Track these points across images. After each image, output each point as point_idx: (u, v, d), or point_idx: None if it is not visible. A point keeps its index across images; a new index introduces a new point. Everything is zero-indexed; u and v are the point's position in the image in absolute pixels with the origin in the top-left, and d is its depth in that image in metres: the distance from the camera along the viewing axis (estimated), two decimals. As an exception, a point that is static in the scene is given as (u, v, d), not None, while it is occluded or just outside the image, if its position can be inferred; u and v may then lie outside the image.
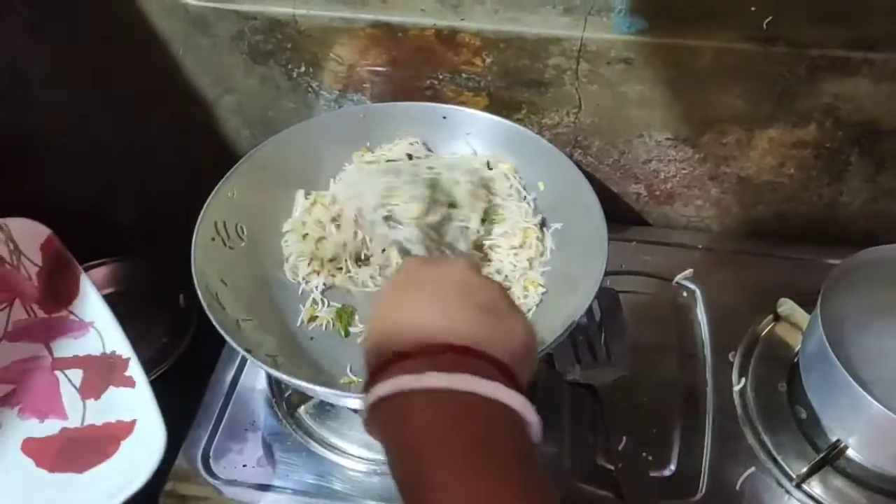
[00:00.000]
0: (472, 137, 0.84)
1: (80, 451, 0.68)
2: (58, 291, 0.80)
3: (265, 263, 0.76)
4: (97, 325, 0.77)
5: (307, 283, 0.75)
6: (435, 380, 0.40)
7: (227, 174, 0.74)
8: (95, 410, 0.71)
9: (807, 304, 0.78)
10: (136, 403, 0.70)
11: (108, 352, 0.74)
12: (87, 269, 0.83)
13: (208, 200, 0.71)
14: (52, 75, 0.91)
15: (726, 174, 0.86)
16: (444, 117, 0.84)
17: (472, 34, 0.79)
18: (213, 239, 0.71)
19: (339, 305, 0.75)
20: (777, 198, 0.87)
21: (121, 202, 1.06)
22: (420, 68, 0.84)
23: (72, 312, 0.79)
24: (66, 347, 0.76)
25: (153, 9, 0.83)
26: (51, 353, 0.77)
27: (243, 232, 0.75)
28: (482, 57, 0.81)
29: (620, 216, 0.92)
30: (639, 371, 0.77)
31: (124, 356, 0.73)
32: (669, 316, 0.84)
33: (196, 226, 0.69)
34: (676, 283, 0.86)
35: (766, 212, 0.89)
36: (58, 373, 0.75)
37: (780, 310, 0.82)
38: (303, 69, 0.86)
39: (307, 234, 0.76)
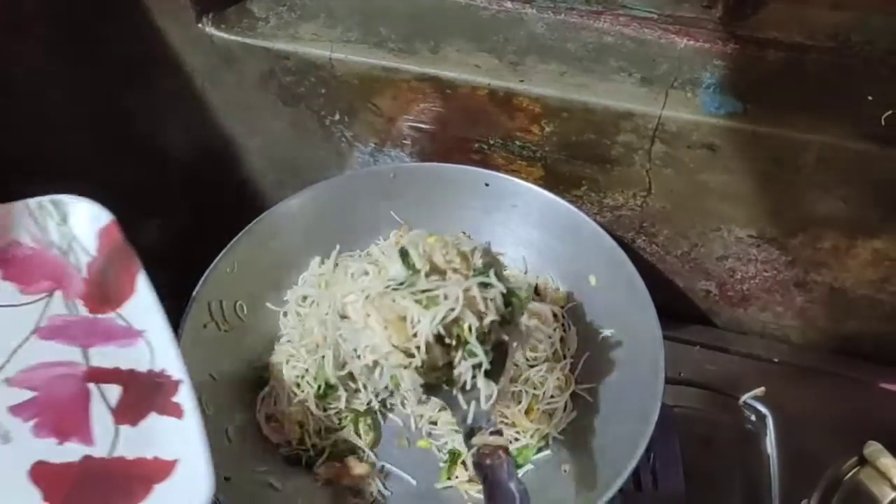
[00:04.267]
0: (517, 210, 0.73)
1: (101, 488, 0.53)
2: (108, 288, 0.65)
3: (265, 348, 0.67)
4: (148, 336, 0.62)
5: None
6: None
7: (224, 250, 0.65)
8: (129, 439, 0.56)
9: (901, 448, 0.66)
10: (180, 439, 0.55)
11: (156, 369, 0.60)
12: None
13: (200, 282, 0.62)
14: (70, 97, 0.83)
15: (816, 282, 0.73)
16: (487, 184, 0.73)
17: (532, 99, 0.68)
18: (206, 325, 0.62)
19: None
20: (874, 316, 0.73)
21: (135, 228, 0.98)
22: (468, 129, 0.73)
23: (121, 316, 0.64)
24: (107, 356, 0.62)
25: (177, 38, 0.75)
26: (87, 359, 0.62)
27: (243, 311, 0.66)
28: (541, 125, 0.70)
29: (683, 313, 0.80)
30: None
31: (174, 377, 0.58)
32: (733, 444, 0.71)
33: (184, 313, 0.60)
34: (744, 402, 0.73)
35: (860, 329, 0.75)
36: (91, 385, 0.60)
37: (866, 452, 0.69)
38: (337, 117, 0.76)
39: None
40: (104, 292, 0.65)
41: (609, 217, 0.75)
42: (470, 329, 0.51)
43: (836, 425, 0.71)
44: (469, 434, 0.53)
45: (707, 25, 0.69)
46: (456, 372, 0.52)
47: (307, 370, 0.64)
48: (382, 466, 0.64)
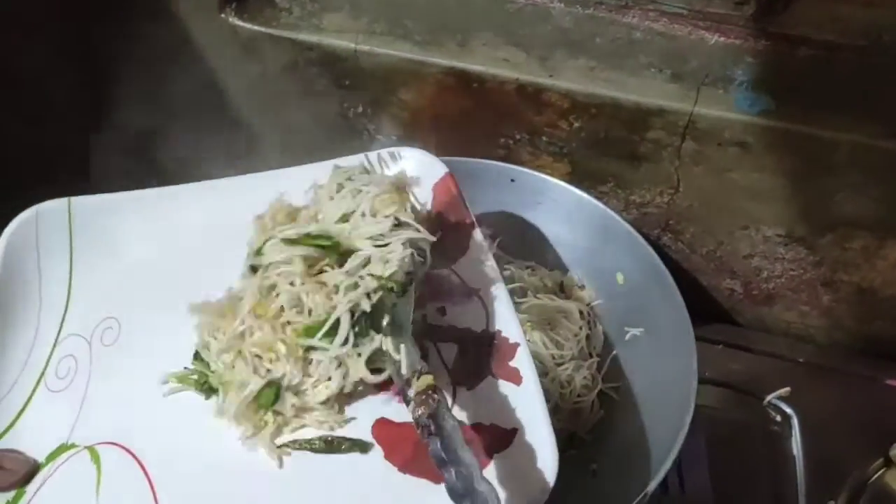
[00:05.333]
0: (542, 207, 0.72)
1: None
2: (443, 243, 0.59)
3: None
4: (483, 295, 0.57)
5: None
6: None
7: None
8: (465, 403, 0.51)
9: (928, 451, 0.65)
10: (519, 407, 0.50)
11: (491, 330, 0.55)
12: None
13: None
14: (79, 97, 0.82)
15: (843, 282, 0.72)
16: (513, 180, 0.72)
17: (561, 94, 0.67)
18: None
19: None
20: (902, 317, 0.73)
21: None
22: (495, 124, 0.72)
23: (455, 272, 0.59)
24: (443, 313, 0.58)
25: (199, 29, 0.74)
26: (423, 316, 0.57)
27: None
28: (569, 120, 0.69)
29: (707, 312, 0.79)
30: (718, 511, 0.65)
31: (511, 340, 0.54)
32: (758, 445, 0.71)
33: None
34: (769, 403, 0.72)
35: (887, 330, 0.75)
36: (427, 343, 0.56)
37: (892, 454, 0.68)
38: (360, 109, 0.76)
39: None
40: (439, 248, 0.58)
41: (635, 214, 0.74)
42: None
43: (862, 426, 0.70)
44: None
45: (738, 22, 0.68)
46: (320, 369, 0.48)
47: None
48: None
